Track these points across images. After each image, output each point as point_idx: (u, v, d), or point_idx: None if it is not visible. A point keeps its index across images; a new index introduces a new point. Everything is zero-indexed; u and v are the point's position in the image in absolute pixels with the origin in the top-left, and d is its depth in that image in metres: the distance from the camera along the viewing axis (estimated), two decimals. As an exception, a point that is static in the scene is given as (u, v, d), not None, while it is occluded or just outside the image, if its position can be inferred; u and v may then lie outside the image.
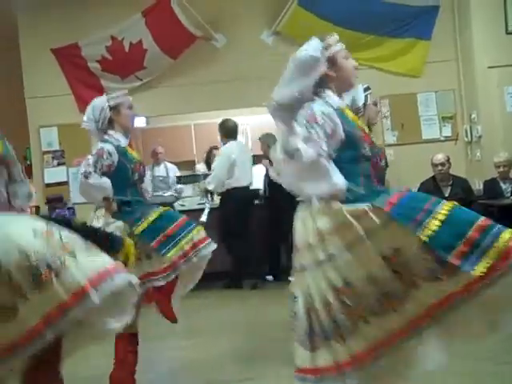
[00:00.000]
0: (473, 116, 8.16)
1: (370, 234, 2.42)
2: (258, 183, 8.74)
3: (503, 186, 7.00)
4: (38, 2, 8.32)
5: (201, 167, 9.06)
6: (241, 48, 8.36)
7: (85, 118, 3.97)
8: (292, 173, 2.53)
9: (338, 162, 2.57)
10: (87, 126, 3.96)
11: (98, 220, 3.79)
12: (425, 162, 7.41)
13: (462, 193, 6.91)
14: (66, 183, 8.65)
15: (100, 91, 8.43)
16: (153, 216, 3.84)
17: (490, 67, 7.86)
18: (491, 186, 7.12)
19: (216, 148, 8.89)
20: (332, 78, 2.73)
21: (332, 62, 2.72)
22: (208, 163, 8.87)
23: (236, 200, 7.64)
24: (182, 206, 8.51)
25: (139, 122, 10.84)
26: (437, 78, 8.31)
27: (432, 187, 6.94)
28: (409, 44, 8.27)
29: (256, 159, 9.87)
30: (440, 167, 7.06)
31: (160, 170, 8.76)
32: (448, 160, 7.12)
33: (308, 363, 2.47)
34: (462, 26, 8.30)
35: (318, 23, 7.98)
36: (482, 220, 2.40)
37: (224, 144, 8.04)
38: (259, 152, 9.97)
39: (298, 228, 2.61)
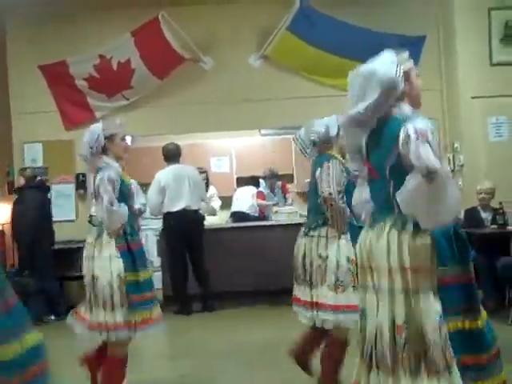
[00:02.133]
0: (456, 145, 8.26)
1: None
2: (244, 205, 8.77)
3: (483, 215, 7.06)
4: (27, 18, 8.34)
5: None
6: (228, 71, 8.42)
7: (82, 145, 3.99)
8: (425, 196, 2.32)
9: None
10: (82, 155, 3.99)
11: (102, 248, 3.85)
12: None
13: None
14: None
15: (86, 109, 8.48)
16: (144, 275, 3.93)
17: (473, 97, 7.98)
18: (472, 215, 7.17)
19: (202, 169, 8.89)
20: (404, 94, 2.65)
21: (406, 77, 2.64)
22: None
23: (168, 224, 7.53)
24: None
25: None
26: (421, 106, 8.39)
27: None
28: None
29: (242, 181, 9.93)
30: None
31: None
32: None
33: None
34: (447, 56, 8.44)
35: (305, 49, 8.08)
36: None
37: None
38: (245, 174, 10.05)
39: (382, 247, 2.50)
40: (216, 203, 8.72)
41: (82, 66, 8.30)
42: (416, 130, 2.37)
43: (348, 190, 3.75)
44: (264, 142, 10.88)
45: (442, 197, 2.30)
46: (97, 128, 3.96)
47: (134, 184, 4.11)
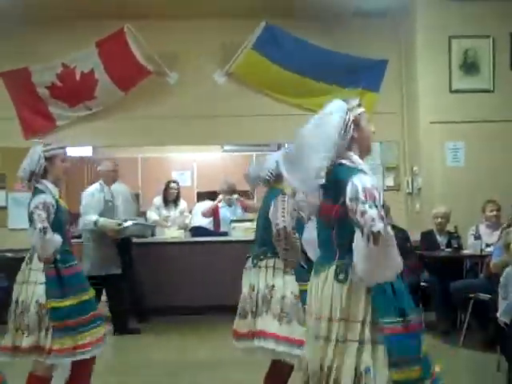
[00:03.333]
0: (414, 168, 8.40)
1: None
2: (204, 220, 8.74)
3: (439, 239, 7.19)
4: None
5: (157, 201, 8.98)
6: (193, 86, 8.43)
7: (22, 166, 3.96)
8: (371, 257, 2.37)
9: None
10: (21, 174, 3.95)
11: (30, 273, 3.84)
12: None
13: (399, 243, 7.04)
14: (4, 208, 8.46)
15: (47, 117, 8.39)
16: (70, 301, 3.84)
17: (432, 122, 8.15)
18: (428, 238, 7.30)
19: (174, 182, 8.88)
20: (354, 141, 2.63)
21: (356, 124, 2.63)
22: (165, 197, 8.81)
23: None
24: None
25: (85, 151, 10.76)
26: (382, 129, 8.48)
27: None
28: (358, 94, 8.48)
29: (202, 195, 9.94)
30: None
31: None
32: (387, 210, 7.26)
33: None
34: (409, 80, 8.60)
35: (270, 67, 8.15)
36: None
37: None
38: (206, 188, 10.05)
39: (325, 296, 2.53)
40: (188, 218, 8.74)
41: (45, 74, 8.20)
42: (364, 189, 2.41)
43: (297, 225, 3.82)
44: (226, 157, 10.91)
45: (385, 256, 2.37)
46: (37, 151, 3.93)
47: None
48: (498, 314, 4.61)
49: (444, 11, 8.11)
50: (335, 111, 2.56)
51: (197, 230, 8.59)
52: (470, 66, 8.17)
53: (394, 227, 7.14)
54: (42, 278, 3.79)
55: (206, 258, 7.90)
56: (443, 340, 6.29)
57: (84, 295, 3.93)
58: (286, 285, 3.78)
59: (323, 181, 2.50)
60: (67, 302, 3.81)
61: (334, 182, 2.52)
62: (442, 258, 6.84)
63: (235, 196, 8.80)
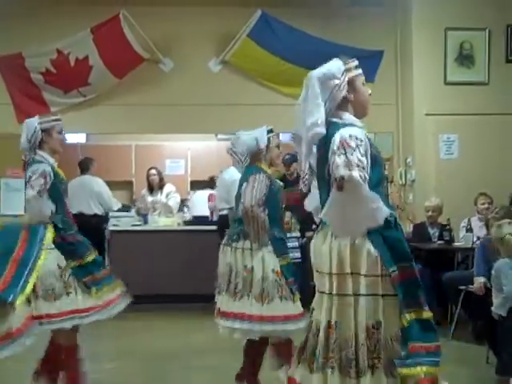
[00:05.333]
0: (408, 160, 8.40)
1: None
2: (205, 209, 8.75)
3: (431, 231, 7.20)
4: (-17, 8, 8.17)
5: (143, 190, 9.04)
6: (187, 74, 8.39)
7: (21, 139, 4.02)
8: (339, 205, 2.42)
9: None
10: (23, 148, 4.01)
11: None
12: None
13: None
14: (-4, 193, 8.46)
15: (41, 103, 8.33)
16: (88, 258, 3.94)
17: (427, 114, 8.15)
18: (420, 230, 7.31)
19: (153, 168, 8.93)
20: (350, 102, 2.67)
21: (351, 85, 2.67)
22: (149, 185, 8.84)
23: None
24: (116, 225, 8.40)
25: (79, 138, 10.72)
26: (376, 120, 8.49)
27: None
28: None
29: (197, 184, 9.94)
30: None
31: None
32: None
33: None
34: (404, 72, 8.59)
35: (265, 56, 8.13)
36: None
37: None
38: (200, 177, 10.04)
39: (325, 252, 2.56)
40: (173, 200, 8.71)
41: (39, 59, 8.15)
42: (340, 140, 2.46)
43: (271, 202, 3.84)
44: (220, 146, 10.87)
45: (354, 205, 2.39)
46: (34, 121, 3.98)
47: None
48: (492, 308, 4.62)
49: (440, 3, 8.10)
50: (332, 71, 2.62)
51: (197, 219, 8.58)
52: (465, 58, 8.16)
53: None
54: (50, 244, 3.82)
55: (199, 246, 7.89)
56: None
57: (92, 254, 4.02)
58: (266, 263, 3.82)
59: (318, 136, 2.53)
60: (88, 258, 3.94)
61: (325, 141, 2.56)
62: (434, 250, 6.86)
63: None
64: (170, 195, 8.74)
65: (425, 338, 2.48)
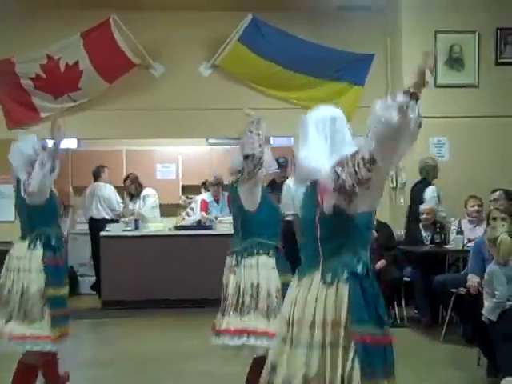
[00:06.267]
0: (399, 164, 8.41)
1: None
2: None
3: (424, 234, 7.19)
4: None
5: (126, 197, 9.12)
6: (178, 78, 8.40)
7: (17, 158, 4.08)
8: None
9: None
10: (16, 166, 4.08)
11: (32, 260, 3.87)
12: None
13: (383, 238, 7.07)
14: (-14, 200, 8.41)
15: (31, 109, 8.32)
16: (64, 290, 3.99)
17: (417, 118, 8.15)
18: (412, 233, 7.31)
19: (128, 176, 9.04)
20: None
21: None
22: (128, 193, 8.88)
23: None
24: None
25: (70, 143, 10.68)
26: (367, 123, 8.55)
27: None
28: (343, 88, 8.49)
29: (187, 189, 9.92)
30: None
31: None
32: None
33: None
34: (394, 75, 8.61)
35: (256, 60, 8.15)
36: None
37: None
38: (191, 182, 10.03)
39: (310, 300, 2.40)
40: (147, 205, 8.73)
41: (29, 65, 8.14)
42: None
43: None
44: (211, 151, 10.87)
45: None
46: (31, 140, 4.14)
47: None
48: (483, 311, 4.62)
49: (429, 5, 8.13)
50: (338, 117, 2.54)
51: (194, 225, 8.58)
52: (455, 61, 8.21)
53: (378, 222, 7.23)
54: (40, 266, 3.84)
55: (188, 252, 7.87)
56: (425, 334, 6.33)
57: (66, 287, 4.04)
58: (270, 281, 3.82)
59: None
60: (62, 291, 3.93)
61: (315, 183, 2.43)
62: (425, 253, 6.86)
63: (226, 193, 8.75)
64: (146, 199, 8.74)
65: None
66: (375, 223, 7.14)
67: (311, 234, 2.45)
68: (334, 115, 2.54)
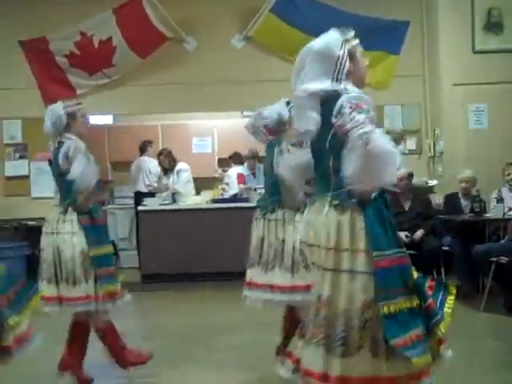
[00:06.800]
0: (436, 131, 8.29)
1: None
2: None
3: (463, 203, 7.09)
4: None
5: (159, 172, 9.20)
6: (211, 51, 8.37)
7: (45, 124, 4.04)
8: (361, 160, 2.33)
9: None
10: (48, 132, 4.04)
11: (65, 224, 3.90)
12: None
13: (421, 207, 6.99)
14: (27, 177, 8.56)
15: (67, 86, 8.40)
16: (107, 249, 4.01)
17: (454, 85, 8.01)
18: (451, 202, 7.21)
19: (163, 150, 9.03)
20: (349, 73, 2.57)
21: (351, 56, 2.57)
22: (162, 167, 8.90)
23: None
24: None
25: (106, 119, 10.78)
26: (403, 92, 8.44)
27: (392, 200, 6.97)
28: (378, 57, 8.33)
29: (223, 162, 9.96)
30: (397, 181, 7.03)
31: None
32: (410, 175, 7.17)
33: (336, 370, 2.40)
34: (431, 42, 8.44)
35: (288, 31, 8.05)
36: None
37: None
38: (225, 155, 10.04)
39: (320, 226, 2.51)
40: (181, 179, 8.76)
41: (63, 42, 8.21)
42: (351, 100, 2.41)
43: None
44: (246, 123, 10.85)
45: (380, 159, 2.33)
46: (58, 106, 4.01)
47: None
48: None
49: (466, -31, 7.92)
50: (331, 42, 2.53)
51: (232, 198, 8.59)
52: (493, 26, 8.00)
53: (414, 191, 7.15)
54: (78, 227, 3.89)
55: (226, 225, 7.90)
56: (465, 304, 6.27)
57: (111, 246, 4.13)
58: (295, 234, 3.80)
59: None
60: (105, 249, 3.98)
61: (329, 111, 2.48)
62: (464, 222, 6.77)
63: (260, 165, 8.74)
64: (179, 173, 8.77)
65: (403, 331, 2.38)
66: (412, 193, 7.10)
67: (324, 163, 2.53)
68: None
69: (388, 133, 6.42)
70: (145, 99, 8.68)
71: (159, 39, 8.11)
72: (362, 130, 2.32)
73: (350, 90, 2.49)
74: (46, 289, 3.89)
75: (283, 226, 3.89)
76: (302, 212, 3.72)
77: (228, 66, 8.44)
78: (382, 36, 8.26)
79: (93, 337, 4.11)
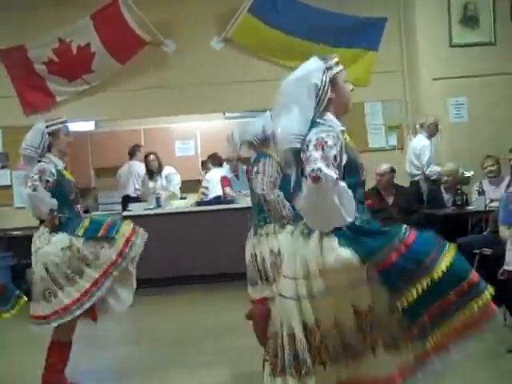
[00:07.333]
0: (417, 126, 8.33)
1: (352, 285, 2.39)
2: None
3: (446, 196, 7.15)
4: (-16, 2, 8.16)
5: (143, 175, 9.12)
6: (190, 54, 8.37)
7: (25, 144, 4.06)
8: (310, 197, 2.33)
9: None
10: (26, 152, 4.04)
11: (41, 237, 3.98)
12: (371, 170, 7.52)
13: (405, 202, 7.04)
14: (9, 187, 8.51)
15: (47, 94, 8.37)
16: (87, 221, 4.07)
17: (434, 79, 8.06)
18: (434, 196, 7.27)
19: (152, 154, 8.88)
20: (331, 101, 2.56)
21: (333, 84, 2.56)
22: (148, 170, 8.83)
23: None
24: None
25: (88, 126, 10.74)
26: (383, 88, 8.48)
27: (375, 196, 7.03)
28: (357, 54, 8.38)
29: (205, 164, 9.94)
30: (379, 177, 7.09)
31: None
32: (392, 170, 7.22)
33: None
34: (408, 38, 8.49)
35: (267, 31, 8.07)
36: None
37: None
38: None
39: (288, 255, 2.53)
40: (173, 183, 8.76)
41: (41, 50, 8.16)
42: (317, 138, 2.39)
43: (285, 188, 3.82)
44: (228, 124, 10.85)
45: (327, 199, 2.30)
46: (40, 126, 4.04)
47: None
48: (505, 267, 4.60)
49: (442, -36, 7.98)
50: (313, 71, 2.52)
51: (217, 200, 8.58)
52: (469, 19, 8.06)
53: (397, 186, 7.20)
54: (49, 237, 3.93)
55: (212, 227, 7.90)
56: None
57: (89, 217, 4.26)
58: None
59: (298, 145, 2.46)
60: (85, 223, 4.03)
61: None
62: (447, 216, 6.82)
63: (243, 167, 8.70)
64: (169, 177, 8.73)
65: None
66: (395, 188, 7.15)
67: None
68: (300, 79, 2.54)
69: (421, 126, 6.62)
70: (126, 104, 8.65)
71: (138, 44, 8.09)
72: (312, 166, 2.30)
73: (327, 122, 2.50)
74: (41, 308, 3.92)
75: (276, 238, 3.88)
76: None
77: (208, 68, 8.44)
78: (360, 33, 8.31)
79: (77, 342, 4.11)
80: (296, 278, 2.44)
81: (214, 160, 9.27)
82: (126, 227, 4.10)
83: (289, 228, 3.76)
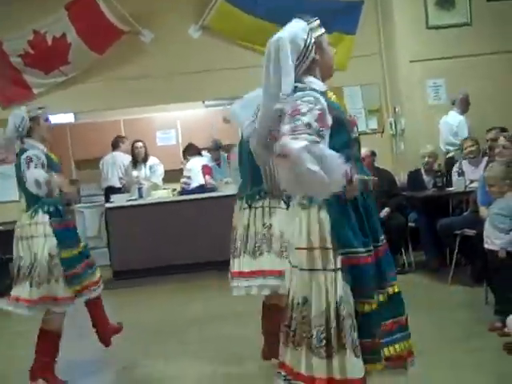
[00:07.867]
0: (397, 109, 8.37)
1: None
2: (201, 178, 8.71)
3: (426, 179, 7.19)
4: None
5: (128, 163, 9.01)
6: (168, 43, 8.33)
7: (8, 128, 4.05)
8: (289, 173, 2.19)
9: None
10: (7, 138, 4.06)
11: (37, 226, 3.96)
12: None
13: (386, 185, 7.07)
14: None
15: (24, 86, 8.30)
16: (77, 251, 4.10)
17: (412, 61, 8.08)
18: (414, 178, 7.31)
19: (139, 141, 8.77)
20: (316, 63, 2.50)
21: (317, 45, 2.49)
22: (133, 158, 8.73)
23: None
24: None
25: (67, 118, 10.66)
26: (362, 71, 8.49)
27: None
28: (334, 38, 8.30)
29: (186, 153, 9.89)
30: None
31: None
32: (372, 153, 7.24)
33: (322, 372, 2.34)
34: (385, 20, 8.50)
35: (243, 17, 8.06)
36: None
37: None
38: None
39: (297, 227, 2.47)
40: (156, 173, 8.68)
41: (16, 42, 8.10)
42: (294, 102, 2.33)
43: None
44: (209, 113, 10.82)
45: (301, 169, 2.14)
46: (21, 110, 4.04)
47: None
48: (485, 245, 4.66)
49: None
50: (297, 32, 2.46)
51: (199, 189, 8.53)
52: (445, 2, 8.07)
53: (378, 169, 7.22)
54: (50, 230, 3.95)
55: (194, 216, 7.90)
56: (433, 278, 6.38)
57: (80, 245, 4.17)
58: (282, 222, 3.81)
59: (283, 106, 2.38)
60: (75, 251, 4.06)
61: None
62: (428, 198, 6.87)
63: (224, 154, 8.68)
64: (153, 168, 8.66)
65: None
66: (376, 171, 7.17)
67: None
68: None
69: (453, 103, 6.43)
70: (105, 95, 8.61)
71: (115, 34, 8.03)
72: (277, 145, 2.20)
73: (311, 84, 2.45)
74: (24, 291, 3.93)
75: (269, 212, 3.89)
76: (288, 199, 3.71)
77: (187, 56, 8.40)
78: (337, 17, 8.26)
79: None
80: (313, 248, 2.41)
81: (190, 151, 9.18)
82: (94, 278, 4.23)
83: (283, 204, 3.86)
